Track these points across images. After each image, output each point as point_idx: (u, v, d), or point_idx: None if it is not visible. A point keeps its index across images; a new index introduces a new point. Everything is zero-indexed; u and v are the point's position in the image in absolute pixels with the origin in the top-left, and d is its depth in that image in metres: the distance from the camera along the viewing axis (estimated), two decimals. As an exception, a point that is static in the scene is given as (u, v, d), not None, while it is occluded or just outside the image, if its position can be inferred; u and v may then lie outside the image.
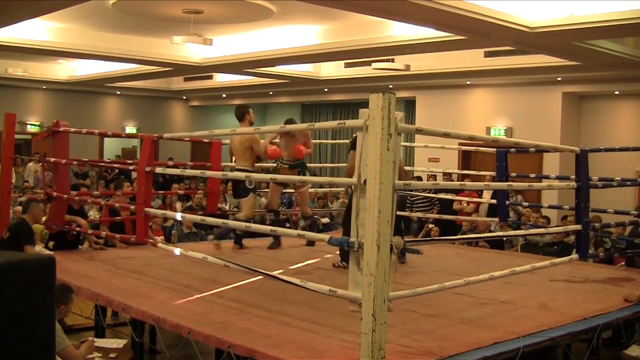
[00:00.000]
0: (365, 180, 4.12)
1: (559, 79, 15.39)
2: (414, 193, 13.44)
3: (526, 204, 11.61)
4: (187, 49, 15.53)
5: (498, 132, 16.87)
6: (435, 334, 5.11)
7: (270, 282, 6.39)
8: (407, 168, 14.79)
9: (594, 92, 15.94)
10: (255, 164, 9.37)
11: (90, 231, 8.73)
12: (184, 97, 25.76)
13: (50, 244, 8.73)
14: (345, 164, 12.64)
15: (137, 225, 7.32)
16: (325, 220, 14.58)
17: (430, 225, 13.05)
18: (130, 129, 24.09)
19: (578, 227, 6.84)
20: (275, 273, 5.67)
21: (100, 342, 6.19)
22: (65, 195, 8.45)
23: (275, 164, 9.61)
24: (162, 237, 10.62)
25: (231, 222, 6.63)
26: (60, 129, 8.45)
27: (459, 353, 4.65)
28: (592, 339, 5.74)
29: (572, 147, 7.11)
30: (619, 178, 8.52)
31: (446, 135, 5.00)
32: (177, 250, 6.77)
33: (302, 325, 5.29)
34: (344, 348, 4.65)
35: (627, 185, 11.16)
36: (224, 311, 5.70)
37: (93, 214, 11.53)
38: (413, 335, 5.01)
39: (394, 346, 4.57)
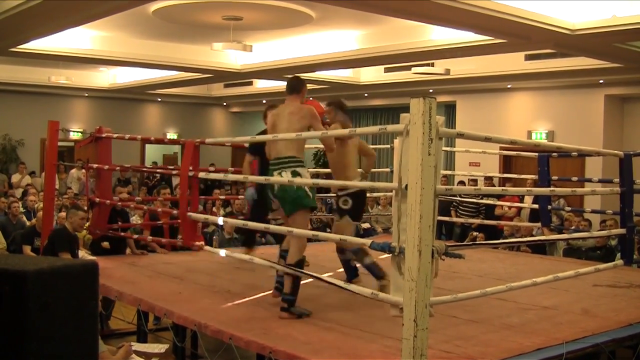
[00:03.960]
0: (406, 185, 4.10)
1: (600, 81, 15.20)
2: (460, 198, 13.36)
3: (569, 208, 11.46)
4: (227, 56, 15.60)
5: (539, 135, 16.70)
6: (477, 340, 5.07)
7: (310, 288, 6.39)
8: (448, 172, 14.75)
9: (637, 94, 15.70)
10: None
11: (135, 236, 8.79)
12: (224, 104, 25.87)
13: (105, 244, 8.80)
14: (385, 169, 12.68)
15: (184, 230, 7.34)
16: (366, 225, 14.54)
17: (475, 233, 12.96)
18: (171, 135, 24.22)
19: (622, 231, 6.76)
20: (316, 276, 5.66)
21: (142, 347, 6.24)
22: (108, 201, 8.53)
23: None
24: (203, 243, 10.66)
25: (273, 227, 6.61)
26: (103, 136, 8.53)
27: (501, 359, 4.61)
28: (638, 345, 5.66)
29: (616, 152, 7.00)
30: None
31: (487, 139, 4.97)
32: (223, 252, 6.83)
33: (343, 330, 5.28)
34: (385, 354, 4.64)
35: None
36: (265, 317, 5.71)
37: (135, 219, 11.63)
38: (455, 341, 4.98)
39: (435, 352, 4.55)
